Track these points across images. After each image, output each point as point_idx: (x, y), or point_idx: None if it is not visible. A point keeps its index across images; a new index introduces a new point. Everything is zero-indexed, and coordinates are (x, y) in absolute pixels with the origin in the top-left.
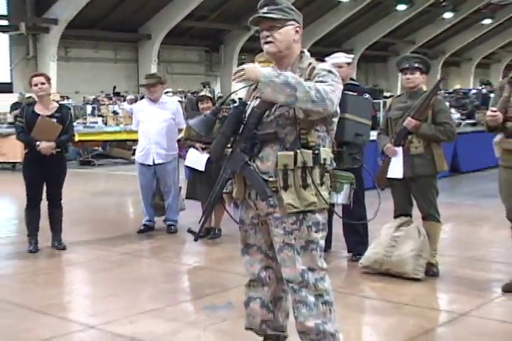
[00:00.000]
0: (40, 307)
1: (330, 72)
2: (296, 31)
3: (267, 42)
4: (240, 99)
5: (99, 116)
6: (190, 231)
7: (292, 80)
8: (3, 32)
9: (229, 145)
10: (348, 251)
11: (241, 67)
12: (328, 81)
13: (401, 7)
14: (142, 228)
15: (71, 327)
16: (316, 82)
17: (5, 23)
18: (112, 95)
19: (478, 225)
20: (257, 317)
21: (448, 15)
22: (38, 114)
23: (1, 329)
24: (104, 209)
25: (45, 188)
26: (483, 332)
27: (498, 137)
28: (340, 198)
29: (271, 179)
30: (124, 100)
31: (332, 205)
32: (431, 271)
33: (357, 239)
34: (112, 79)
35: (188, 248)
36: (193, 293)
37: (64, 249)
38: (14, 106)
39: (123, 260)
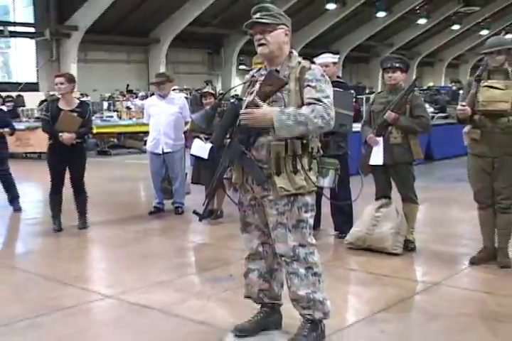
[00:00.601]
0: (64, 279)
1: (323, 76)
2: (286, 34)
3: (260, 45)
4: (236, 95)
5: (114, 111)
6: (195, 212)
7: (301, 118)
8: (30, 38)
9: (228, 136)
10: (335, 230)
11: (250, 113)
12: (324, 89)
13: (380, 14)
14: (153, 210)
15: (91, 297)
16: (312, 86)
17: (32, 30)
18: (125, 92)
19: (449, 206)
20: (255, 287)
21: (422, 21)
22: (61, 109)
23: (31, 298)
24: (119, 193)
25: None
26: (452, 298)
27: (467, 128)
28: (327, 182)
29: (265, 166)
30: (136, 97)
31: (320, 188)
32: (409, 247)
33: (343, 218)
34: (125, 78)
35: (194, 227)
36: (198, 266)
37: (85, 228)
38: (41, 103)
39: (136, 238)
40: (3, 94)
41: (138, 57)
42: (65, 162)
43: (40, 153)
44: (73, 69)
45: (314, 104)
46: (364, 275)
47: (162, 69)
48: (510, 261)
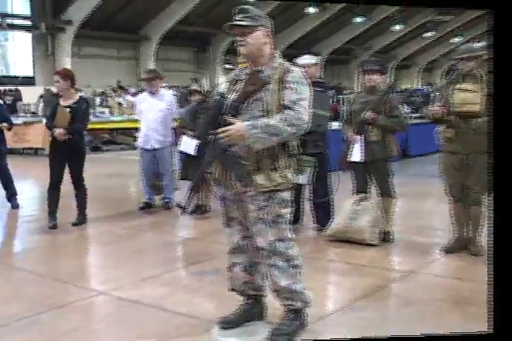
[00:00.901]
0: (60, 277)
1: (303, 78)
2: (266, 35)
3: (240, 46)
4: (221, 93)
5: (106, 106)
6: (178, 205)
7: (272, 129)
8: (27, 31)
9: (212, 132)
10: (316, 223)
11: (225, 131)
12: (302, 92)
13: (358, 19)
14: (142, 205)
15: (85, 294)
16: (291, 88)
17: (28, 23)
18: (116, 88)
19: (424, 200)
20: (238, 280)
21: (398, 27)
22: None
23: (28, 297)
24: (110, 189)
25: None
26: (427, 285)
27: (440, 127)
28: (302, 179)
29: (245, 163)
30: (128, 93)
31: (300, 186)
32: (386, 238)
33: (323, 213)
34: (115, 74)
35: (182, 222)
36: (185, 261)
37: (85, 223)
38: (40, 98)
39: (127, 233)
40: (2, 88)
41: (128, 53)
42: (64, 158)
43: (37, 148)
44: (68, 64)
45: (289, 108)
46: (343, 265)
47: (152, 66)
48: (480, 250)
